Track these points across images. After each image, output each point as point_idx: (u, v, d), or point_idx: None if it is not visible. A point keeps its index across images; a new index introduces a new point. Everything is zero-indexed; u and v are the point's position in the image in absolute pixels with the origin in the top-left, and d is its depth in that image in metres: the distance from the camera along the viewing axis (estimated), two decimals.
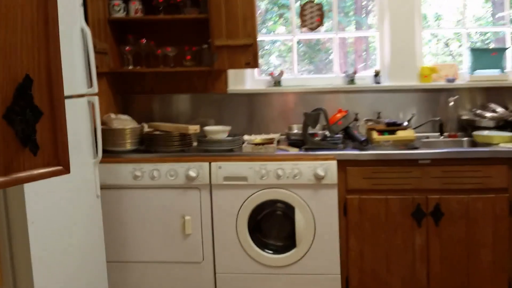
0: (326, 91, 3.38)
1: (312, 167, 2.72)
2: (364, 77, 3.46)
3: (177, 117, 3.48)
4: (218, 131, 2.98)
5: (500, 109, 3.17)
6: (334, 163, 2.74)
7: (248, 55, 3.04)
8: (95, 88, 2.50)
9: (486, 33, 3.83)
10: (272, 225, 2.87)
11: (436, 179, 2.73)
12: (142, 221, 2.88)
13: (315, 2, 3.38)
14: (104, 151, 2.66)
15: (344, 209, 2.79)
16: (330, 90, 3.38)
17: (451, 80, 3.31)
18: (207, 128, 3.05)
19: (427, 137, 3.23)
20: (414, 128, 3.11)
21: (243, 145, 2.95)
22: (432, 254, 2.78)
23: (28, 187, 1.90)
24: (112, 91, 3.34)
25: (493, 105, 3.21)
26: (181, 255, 2.87)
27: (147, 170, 2.82)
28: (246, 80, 3.50)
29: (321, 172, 2.71)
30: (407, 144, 2.88)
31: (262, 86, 3.51)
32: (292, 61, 3.63)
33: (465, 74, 3.40)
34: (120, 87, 3.46)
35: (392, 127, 2.96)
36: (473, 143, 3.05)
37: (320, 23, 3.40)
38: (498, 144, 2.82)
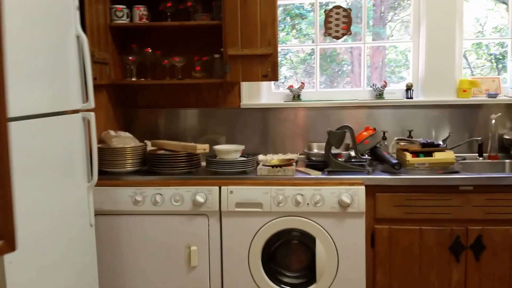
0: (350, 106, 3.30)
1: (337, 193, 2.60)
2: (393, 91, 3.38)
3: (184, 134, 3.40)
4: (230, 151, 2.88)
5: None
6: (362, 189, 2.61)
7: (266, 66, 2.92)
8: (91, 103, 2.39)
9: None
10: (289, 257, 2.77)
11: (479, 208, 2.60)
12: (143, 251, 2.77)
13: (342, 7, 3.26)
14: (101, 172, 2.60)
15: (371, 240, 2.68)
16: (355, 105, 3.30)
17: (492, 96, 3.22)
18: (217, 147, 2.95)
19: (464, 158, 3.09)
20: (451, 149, 2.96)
21: (258, 167, 2.82)
22: None
23: None
24: (113, 105, 3.25)
25: None
26: None
27: (149, 194, 2.71)
28: (262, 94, 3.41)
29: (347, 199, 2.58)
30: (446, 167, 2.73)
31: (280, 100, 3.43)
32: (314, 73, 3.50)
33: (508, 88, 3.31)
34: (122, 101, 3.38)
35: (429, 147, 2.80)
36: None
37: (346, 31, 3.27)
38: None
